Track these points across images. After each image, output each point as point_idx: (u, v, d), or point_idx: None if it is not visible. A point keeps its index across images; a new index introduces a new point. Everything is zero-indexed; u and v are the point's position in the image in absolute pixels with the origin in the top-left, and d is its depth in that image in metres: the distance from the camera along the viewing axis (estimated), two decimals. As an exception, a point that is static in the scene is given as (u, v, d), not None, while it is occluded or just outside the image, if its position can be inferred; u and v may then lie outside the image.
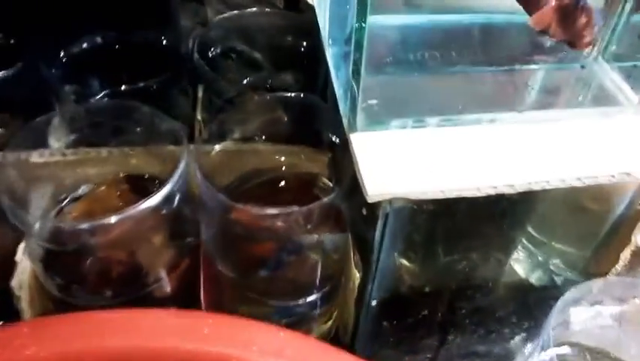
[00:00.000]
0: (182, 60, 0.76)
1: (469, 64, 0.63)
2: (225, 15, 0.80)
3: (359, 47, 0.47)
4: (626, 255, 0.56)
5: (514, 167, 0.49)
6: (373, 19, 0.70)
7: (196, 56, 0.69)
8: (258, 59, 0.83)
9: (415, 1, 0.76)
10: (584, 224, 0.64)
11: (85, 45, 0.70)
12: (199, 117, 0.72)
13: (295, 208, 0.52)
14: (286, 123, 0.68)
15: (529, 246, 0.75)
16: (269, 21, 0.83)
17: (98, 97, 0.72)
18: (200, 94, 0.74)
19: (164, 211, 0.53)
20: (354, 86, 0.50)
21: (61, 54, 0.71)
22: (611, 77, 0.61)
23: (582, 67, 0.62)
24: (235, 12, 0.79)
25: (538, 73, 0.62)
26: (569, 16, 0.57)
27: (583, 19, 0.56)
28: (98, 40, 0.70)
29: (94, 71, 0.72)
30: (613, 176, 0.47)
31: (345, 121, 0.53)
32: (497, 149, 0.52)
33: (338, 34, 0.60)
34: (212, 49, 0.77)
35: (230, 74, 0.78)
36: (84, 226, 0.51)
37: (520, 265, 0.76)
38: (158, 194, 0.52)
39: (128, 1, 0.72)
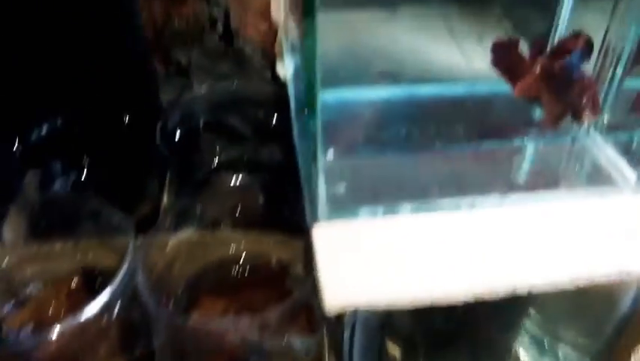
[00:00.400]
0: (152, 141, 0.73)
1: (448, 141, 0.58)
2: (198, 90, 0.77)
3: (313, 123, 0.42)
4: (637, 357, 0.49)
5: (498, 265, 0.43)
6: (335, 94, 0.67)
7: (159, 138, 0.65)
8: (236, 134, 0.79)
9: (390, 72, 0.73)
10: (589, 317, 0.57)
11: (46, 129, 0.67)
12: (165, 201, 0.68)
13: (256, 315, 0.46)
14: (257, 207, 0.63)
15: (534, 329, 0.67)
16: (247, 93, 0.80)
17: (59, 184, 0.68)
18: (169, 176, 0.70)
19: (108, 318, 0.48)
20: (314, 169, 0.45)
21: (24, 138, 0.67)
22: (605, 152, 0.55)
23: (573, 141, 0.57)
24: (208, 86, 0.76)
25: (523, 149, 0.57)
26: (562, 82, 0.52)
27: (580, 86, 0.52)
28: (60, 123, 0.67)
29: (56, 155, 0.68)
30: (610, 276, 0.41)
31: (307, 209, 0.48)
32: (478, 241, 0.46)
33: (298, 110, 0.57)
34: (182, 127, 0.73)
35: (202, 152, 0.74)
36: (23, 337, 0.46)
37: (525, 350, 0.68)
38: (100, 299, 0.46)
39: (102, 81, 0.69)
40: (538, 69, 0.53)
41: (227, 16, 0.85)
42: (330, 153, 0.53)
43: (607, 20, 0.52)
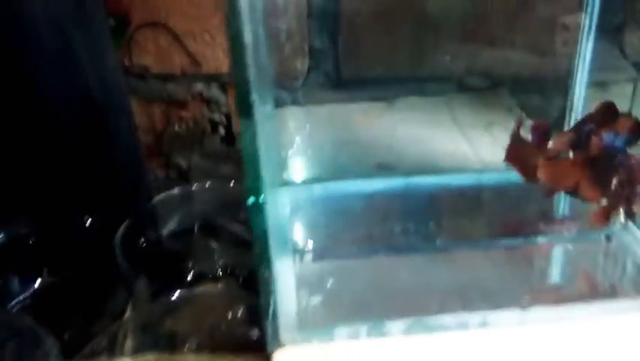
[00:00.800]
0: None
1: (453, 240, 0.48)
2: (164, 194, 0.69)
3: (260, 224, 0.34)
4: None
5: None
6: (322, 188, 0.60)
7: (119, 252, 0.58)
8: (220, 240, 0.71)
9: (387, 163, 0.66)
10: None
11: (5, 237, 0.61)
12: (127, 318, 0.58)
13: None
14: (224, 326, 0.53)
15: None
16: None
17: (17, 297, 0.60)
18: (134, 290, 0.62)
19: None
20: (268, 280, 0.36)
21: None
22: None
23: (608, 238, 0.46)
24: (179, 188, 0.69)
25: (547, 250, 0.46)
26: (604, 167, 0.43)
27: (628, 172, 0.42)
28: (23, 231, 0.61)
29: (15, 265, 0.61)
30: None
31: (267, 329, 0.38)
32: None
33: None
34: (146, 237, 0.65)
35: (172, 263, 0.66)
36: None
37: None
38: None
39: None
40: (570, 153, 0.44)
41: (228, 118, 0.81)
42: (299, 258, 0.44)
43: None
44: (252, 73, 0.30)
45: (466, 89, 0.79)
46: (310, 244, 0.48)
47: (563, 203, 0.51)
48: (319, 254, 0.47)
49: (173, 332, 0.55)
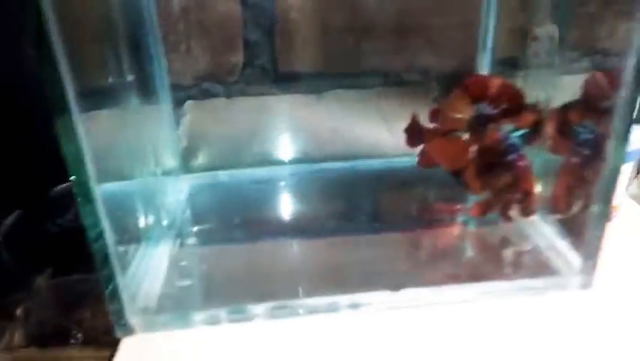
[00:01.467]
0: None
1: (342, 223, 0.46)
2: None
3: (90, 213, 0.31)
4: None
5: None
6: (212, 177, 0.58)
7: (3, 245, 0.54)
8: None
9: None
10: None
11: None
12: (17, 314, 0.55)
13: None
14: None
15: None
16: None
17: None
18: None
19: None
20: (109, 264, 0.33)
21: None
22: (542, 231, 0.42)
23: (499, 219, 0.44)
24: None
25: (438, 232, 0.44)
26: (493, 161, 0.41)
27: (513, 173, 0.40)
28: None
29: None
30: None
31: (113, 316, 0.35)
32: (363, 356, 0.32)
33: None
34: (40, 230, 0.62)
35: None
36: None
37: None
38: None
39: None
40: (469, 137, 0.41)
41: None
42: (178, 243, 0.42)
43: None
44: (65, 71, 0.27)
45: (401, 84, 0.78)
46: (194, 230, 0.46)
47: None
48: (201, 239, 0.45)
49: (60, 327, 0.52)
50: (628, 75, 0.31)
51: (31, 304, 0.54)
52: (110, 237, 0.33)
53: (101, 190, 0.31)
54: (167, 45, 0.68)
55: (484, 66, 0.53)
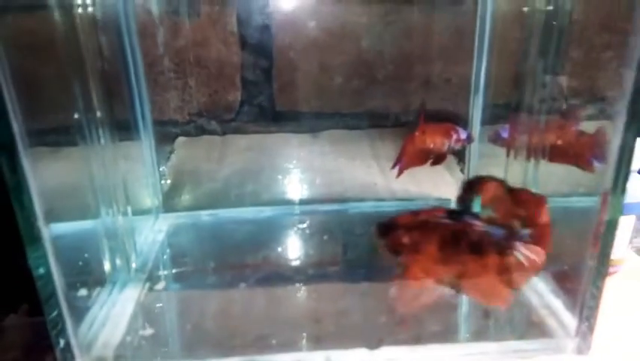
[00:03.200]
0: None
1: (324, 270, 0.43)
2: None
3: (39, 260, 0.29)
4: None
5: None
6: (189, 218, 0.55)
7: None
8: None
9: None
10: None
11: None
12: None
13: None
14: None
15: None
16: None
17: None
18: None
19: None
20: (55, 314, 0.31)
21: None
22: (535, 287, 0.39)
23: None
24: None
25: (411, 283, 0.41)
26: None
27: None
28: None
29: None
30: None
31: None
32: None
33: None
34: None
35: None
36: None
37: None
38: None
39: None
40: None
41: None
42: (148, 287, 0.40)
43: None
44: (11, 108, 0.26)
45: (397, 125, 0.76)
46: (165, 273, 0.43)
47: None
48: (172, 283, 0.42)
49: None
50: (620, 122, 0.29)
51: (-3, 345, 0.52)
52: (58, 280, 0.30)
53: (49, 231, 0.29)
54: (161, 81, 0.68)
55: (476, 109, 0.52)
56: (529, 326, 0.36)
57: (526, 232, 0.37)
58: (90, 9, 0.38)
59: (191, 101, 0.76)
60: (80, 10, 0.37)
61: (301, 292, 0.40)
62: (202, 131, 0.71)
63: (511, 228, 0.37)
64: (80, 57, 0.37)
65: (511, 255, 0.36)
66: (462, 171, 0.59)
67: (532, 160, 0.43)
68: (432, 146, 0.46)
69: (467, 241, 0.37)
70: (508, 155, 0.46)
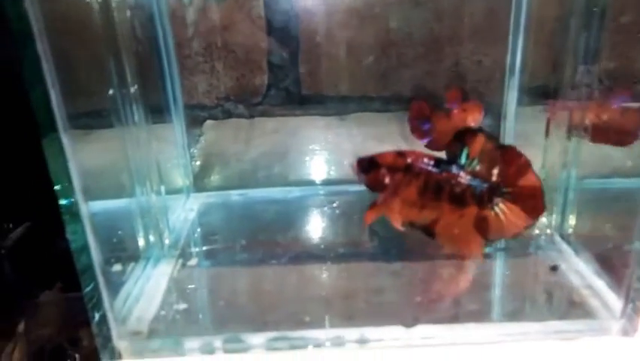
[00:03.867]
0: None
1: (353, 250, 0.43)
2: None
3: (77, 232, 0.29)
4: None
5: None
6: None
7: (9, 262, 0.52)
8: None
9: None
10: None
11: None
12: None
13: None
14: None
15: None
16: None
17: None
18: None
19: None
20: (92, 285, 0.31)
21: None
22: (577, 268, 0.38)
23: (535, 250, 0.40)
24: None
25: (459, 264, 0.40)
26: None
27: None
28: None
29: None
30: None
31: (98, 342, 0.32)
32: None
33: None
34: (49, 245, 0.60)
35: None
36: None
37: None
38: None
39: None
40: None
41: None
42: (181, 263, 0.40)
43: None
44: (52, 91, 0.26)
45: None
46: (197, 250, 0.43)
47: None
48: (204, 260, 0.42)
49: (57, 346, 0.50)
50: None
51: (32, 321, 0.53)
52: (96, 255, 0.30)
53: (88, 207, 0.29)
54: (189, 65, 0.68)
55: (511, 90, 0.50)
56: (571, 306, 0.35)
57: (508, 190, 0.37)
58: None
59: (219, 85, 0.76)
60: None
61: (333, 271, 0.40)
62: (229, 114, 0.71)
63: (493, 184, 0.37)
64: (113, 37, 0.37)
65: (490, 209, 0.37)
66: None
67: (573, 140, 0.42)
68: (473, 124, 0.45)
69: (448, 191, 0.37)
70: (547, 135, 0.45)
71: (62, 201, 0.29)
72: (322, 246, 0.44)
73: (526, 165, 0.37)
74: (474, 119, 0.45)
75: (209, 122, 0.74)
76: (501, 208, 0.36)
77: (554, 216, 0.42)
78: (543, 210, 0.37)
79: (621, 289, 0.34)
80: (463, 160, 0.38)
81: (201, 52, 0.72)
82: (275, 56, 0.73)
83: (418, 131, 0.53)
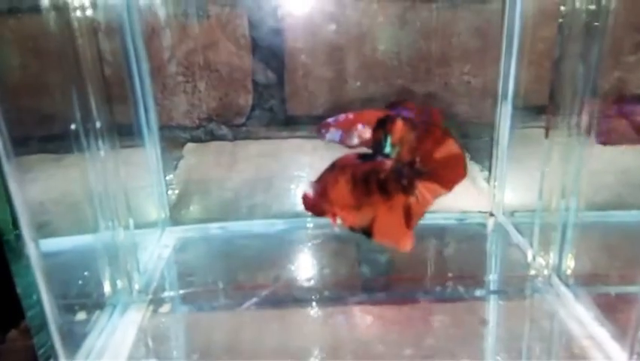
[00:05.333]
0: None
1: (344, 290, 0.40)
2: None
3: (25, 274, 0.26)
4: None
5: None
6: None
7: None
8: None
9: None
10: None
11: None
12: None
13: None
14: None
15: None
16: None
17: None
18: None
19: None
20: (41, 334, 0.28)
21: None
22: (575, 312, 0.35)
23: (530, 293, 0.37)
24: None
25: (454, 305, 0.37)
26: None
27: None
28: None
29: None
30: None
31: None
32: None
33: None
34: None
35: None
36: None
37: None
38: None
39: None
40: None
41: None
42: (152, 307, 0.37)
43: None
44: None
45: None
46: (171, 294, 0.40)
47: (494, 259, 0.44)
48: (178, 305, 0.39)
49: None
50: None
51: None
52: (48, 302, 0.27)
53: (37, 247, 0.26)
54: (169, 85, 0.65)
55: (504, 113, 0.48)
56: (571, 359, 0.32)
57: (426, 168, 0.36)
58: (89, 12, 0.35)
59: (201, 105, 0.73)
60: (77, 13, 0.34)
61: (319, 316, 0.37)
62: (212, 136, 0.68)
63: (413, 165, 0.36)
64: (76, 62, 0.34)
65: (412, 195, 0.36)
66: (487, 181, 0.55)
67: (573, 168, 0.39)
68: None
69: (376, 182, 0.37)
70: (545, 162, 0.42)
71: (6, 237, 0.25)
72: (306, 288, 0.41)
73: (443, 136, 0.36)
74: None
75: (189, 145, 0.71)
76: (420, 191, 0.36)
77: (551, 255, 0.39)
78: (464, 175, 0.37)
79: (625, 339, 0.31)
80: (387, 149, 0.37)
81: (182, 71, 0.70)
82: (259, 76, 0.70)
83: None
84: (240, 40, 0.66)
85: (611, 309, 0.34)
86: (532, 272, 0.40)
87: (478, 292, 0.38)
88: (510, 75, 0.46)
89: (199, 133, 0.72)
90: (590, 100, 0.36)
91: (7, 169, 0.24)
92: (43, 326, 0.27)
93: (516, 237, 0.45)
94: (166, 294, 0.41)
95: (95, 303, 0.36)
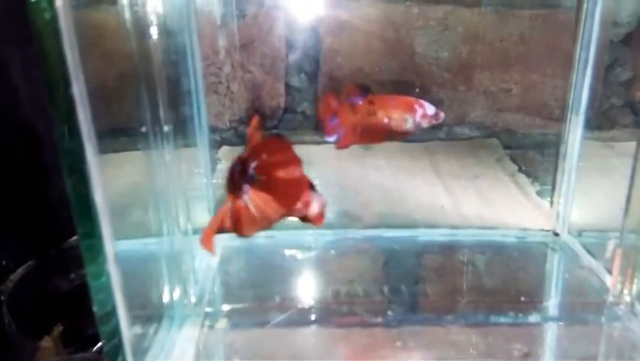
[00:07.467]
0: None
1: (403, 311, 0.38)
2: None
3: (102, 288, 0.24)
4: None
5: None
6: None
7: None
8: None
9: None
10: None
11: None
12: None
13: None
14: None
15: None
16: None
17: None
18: None
19: None
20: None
21: None
22: None
23: (607, 319, 0.35)
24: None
25: (525, 330, 0.35)
26: None
27: None
28: None
29: None
30: None
31: None
32: None
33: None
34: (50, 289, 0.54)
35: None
36: None
37: None
38: None
39: None
40: None
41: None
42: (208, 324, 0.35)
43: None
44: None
45: (452, 138, 0.71)
46: (224, 308, 0.38)
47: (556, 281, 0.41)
48: (232, 320, 0.37)
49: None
50: None
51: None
52: (123, 317, 0.25)
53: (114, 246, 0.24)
54: (206, 86, 0.63)
55: (572, 132, 0.46)
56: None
57: (257, 176, 0.32)
58: (159, 8, 0.33)
59: (233, 106, 0.71)
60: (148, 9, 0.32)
61: (383, 336, 0.35)
62: (243, 139, 0.66)
63: (244, 164, 0.32)
64: (147, 61, 0.32)
65: (240, 197, 0.32)
66: (543, 195, 0.53)
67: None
68: (386, 120, 0.40)
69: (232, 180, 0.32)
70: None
71: (85, 248, 0.23)
72: (368, 305, 0.39)
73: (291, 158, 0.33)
74: (387, 113, 0.40)
75: (224, 148, 0.69)
76: (250, 196, 0.32)
77: (636, 281, 0.37)
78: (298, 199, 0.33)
79: None
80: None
81: (215, 72, 0.68)
82: (293, 78, 0.68)
83: (326, 128, 0.46)
84: (275, 41, 0.65)
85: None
86: (611, 298, 0.38)
87: (554, 317, 0.36)
88: (584, 84, 0.43)
89: (229, 135, 0.71)
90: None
91: (92, 167, 0.22)
92: (119, 341, 0.25)
93: (587, 258, 0.43)
94: (222, 307, 0.39)
95: (155, 315, 0.34)
